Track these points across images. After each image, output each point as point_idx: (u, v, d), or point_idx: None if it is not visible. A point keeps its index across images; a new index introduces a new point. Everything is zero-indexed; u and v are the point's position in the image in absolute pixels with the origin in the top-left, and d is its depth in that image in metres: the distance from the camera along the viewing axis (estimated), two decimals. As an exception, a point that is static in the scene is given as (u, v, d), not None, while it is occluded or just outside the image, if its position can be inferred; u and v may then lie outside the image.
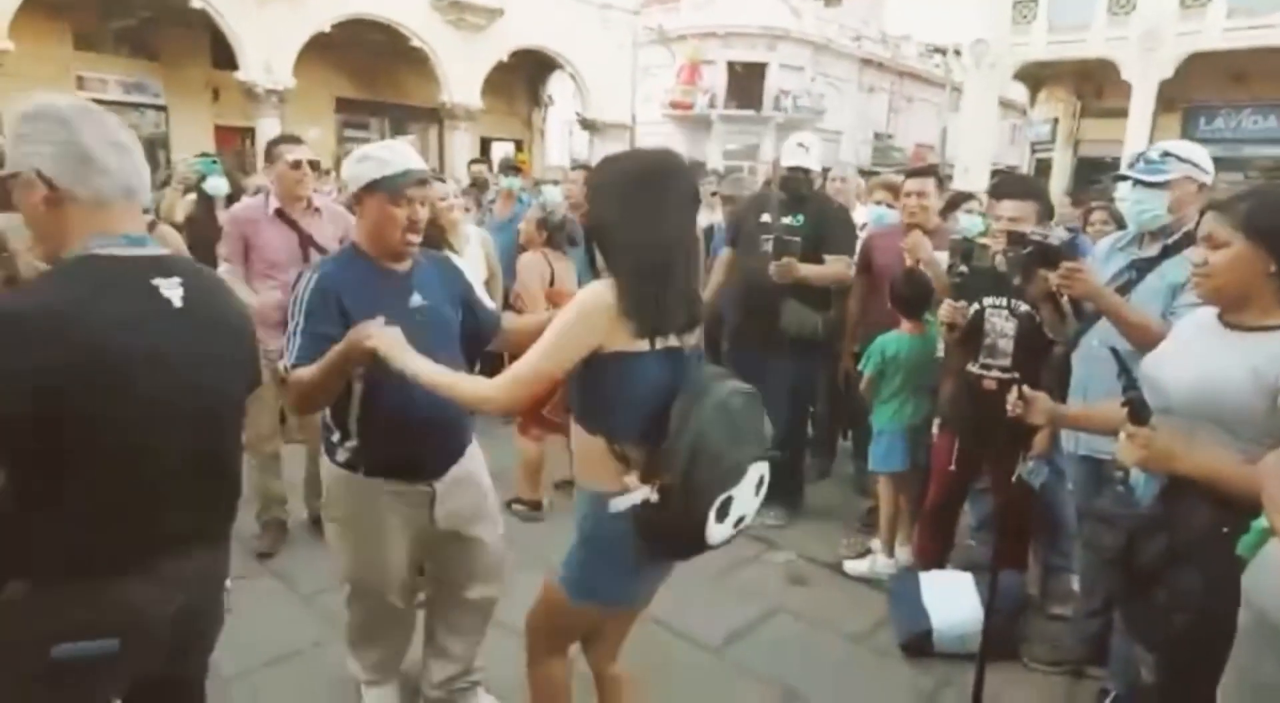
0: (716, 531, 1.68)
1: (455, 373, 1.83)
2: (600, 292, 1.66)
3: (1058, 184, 19.27)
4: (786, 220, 3.91)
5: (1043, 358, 2.91)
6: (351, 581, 2.36)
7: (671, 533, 1.69)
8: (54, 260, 1.38)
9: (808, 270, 3.76)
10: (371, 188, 2.04)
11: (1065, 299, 2.66)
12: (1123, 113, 18.00)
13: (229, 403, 1.56)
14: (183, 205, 5.22)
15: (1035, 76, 21.31)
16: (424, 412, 2.01)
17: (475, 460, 2.34)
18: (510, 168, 6.94)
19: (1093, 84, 20.41)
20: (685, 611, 3.02)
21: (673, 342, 1.74)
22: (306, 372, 1.94)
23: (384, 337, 1.82)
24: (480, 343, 2.36)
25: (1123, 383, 1.74)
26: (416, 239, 2.10)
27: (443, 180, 4.42)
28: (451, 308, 2.21)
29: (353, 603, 2.41)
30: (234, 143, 15.17)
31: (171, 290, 1.38)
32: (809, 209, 3.94)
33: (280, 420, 3.71)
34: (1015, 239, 2.68)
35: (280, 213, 3.46)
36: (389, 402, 2.02)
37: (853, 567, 3.62)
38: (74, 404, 1.24)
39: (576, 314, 1.67)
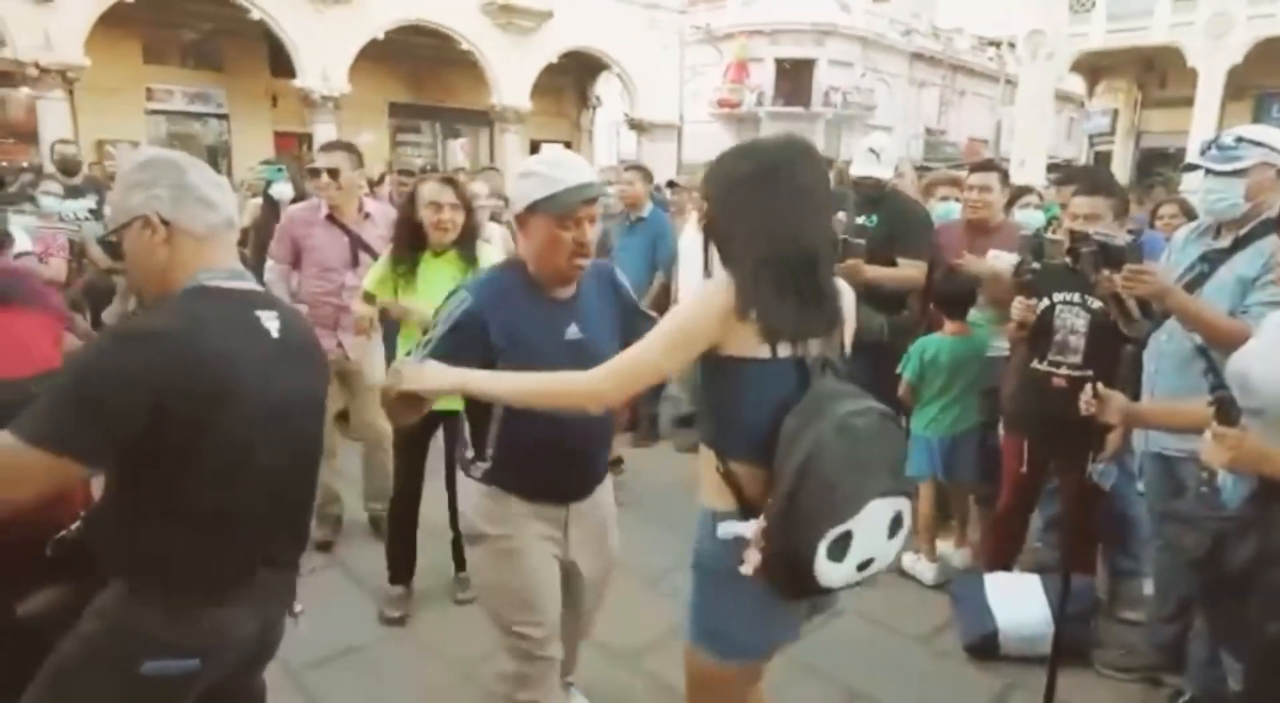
0: (832, 571, 1.46)
1: (543, 375, 1.63)
2: (721, 288, 1.53)
3: (1119, 178, 18.66)
4: (860, 221, 3.80)
5: (1117, 354, 2.83)
6: (504, 618, 2.05)
7: (779, 568, 1.48)
8: (162, 298, 1.45)
9: (875, 273, 3.60)
10: (536, 208, 1.85)
11: (1132, 301, 2.58)
12: (1188, 102, 17.39)
13: (314, 428, 1.63)
14: (249, 209, 5.38)
15: (1094, 67, 20.71)
16: (568, 441, 1.90)
17: (605, 487, 2.21)
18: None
19: (1155, 73, 19.76)
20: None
21: (802, 350, 1.55)
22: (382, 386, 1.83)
23: (422, 374, 1.69)
24: None
25: (1210, 382, 1.69)
26: (585, 263, 1.92)
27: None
28: (612, 336, 1.99)
29: (509, 649, 2.08)
30: (292, 148, 15.57)
31: (270, 322, 1.48)
32: (884, 209, 3.80)
33: (339, 418, 3.81)
34: (1079, 239, 2.60)
35: (331, 217, 3.56)
36: (530, 428, 1.86)
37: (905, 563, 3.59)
38: (188, 420, 1.31)
39: (693, 309, 1.56)
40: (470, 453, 2.03)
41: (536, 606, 2.02)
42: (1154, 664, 2.79)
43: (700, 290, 1.59)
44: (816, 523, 1.42)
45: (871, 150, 3.78)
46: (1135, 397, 2.54)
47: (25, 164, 9.63)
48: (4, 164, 6.49)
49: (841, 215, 3.84)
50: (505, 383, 1.67)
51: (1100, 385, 2.15)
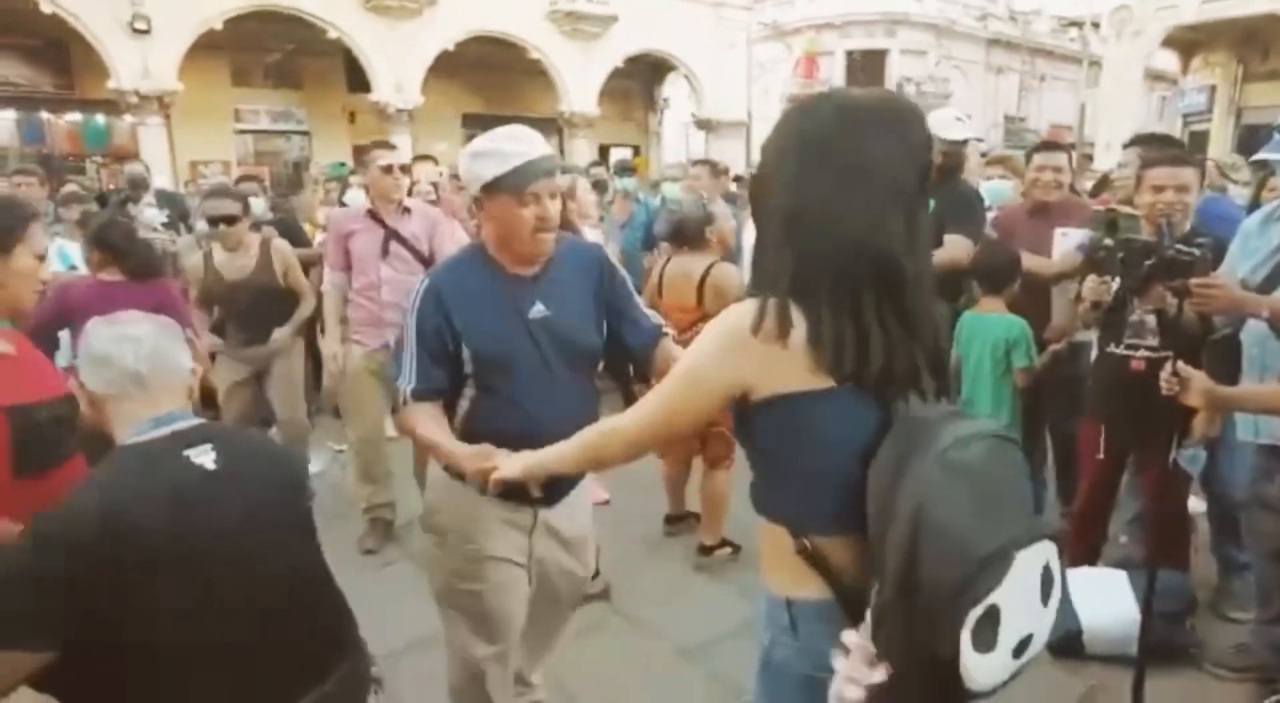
0: (982, 665, 1.00)
1: (580, 434, 1.45)
2: (741, 313, 1.15)
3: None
4: None
5: (1200, 335, 2.66)
6: (446, 603, 2.07)
7: (909, 685, 1.03)
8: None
9: None
10: (492, 188, 1.76)
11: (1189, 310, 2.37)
12: (1295, 74, 16.28)
13: (288, 545, 1.53)
14: (324, 214, 5.63)
15: (1187, 42, 19.59)
16: (536, 435, 1.66)
17: (582, 504, 2.13)
18: (624, 170, 7.06)
19: (1258, 44, 18.54)
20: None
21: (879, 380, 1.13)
22: (420, 426, 1.80)
23: (510, 465, 1.57)
24: (627, 359, 2.09)
25: None
26: (549, 238, 1.83)
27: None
28: (585, 318, 1.91)
29: (450, 647, 2.09)
30: (370, 161, 16.11)
31: (203, 457, 1.43)
32: (942, 193, 3.63)
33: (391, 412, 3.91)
34: (1139, 250, 2.41)
35: (371, 213, 3.66)
36: (495, 419, 1.83)
37: None
38: (119, 593, 1.26)
39: (701, 342, 1.21)
40: None
41: (494, 627, 1.98)
42: (1270, 664, 2.60)
43: (713, 325, 1.22)
44: (952, 602, 0.98)
45: (957, 117, 3.73)
46: (1231, 381, 2.38)
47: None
48: (110, 186, 6.97)
49: None
50: (554, 459, 1.51)
51: (1181, 364, 2.03)
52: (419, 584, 3.39)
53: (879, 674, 1.03)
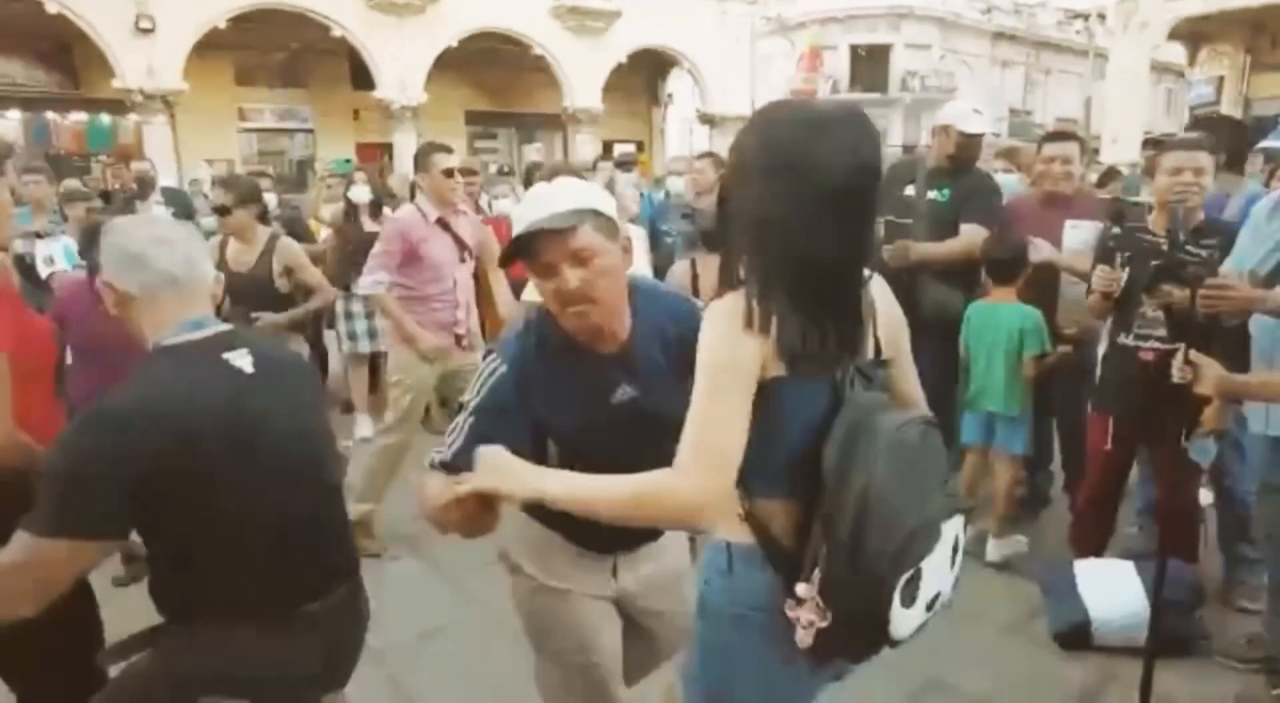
0: (904, 619, 1.20)
1: (626, 480, 1.22)
2: (733, 307, 1.22)
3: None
4: (931, 195, 3.67)
5: (1212, 324, 2.64)
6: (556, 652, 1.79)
7: (848, 634, 1.21)
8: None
9: (922, 251, 3.52)
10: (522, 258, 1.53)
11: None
12: (1302, 65, 16.16)
13: (313, 447, 1.62)
14: (329, 211, 5.61)
15: (1195, 33, 19.46)
16: None
17: (672, 547, 1.88)
18: (626, 164, 7.06)
19: (1266, 35, 18.44)
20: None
21: (827, 368, 1.26)
22: (434, 492, 1.42)
23: (498, 468, 1.31)
24: None
25: None
26: (584, 311, 1.49)
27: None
28: (678, 389, 1.34)
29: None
30: (374, 158, 16.16)
31: (241, 360, 1.48)
32: (959, 183, 3.66)
33: (426, 412, 3.89)
34: (1146, 252, 2.39)
35: (440, 221, 3.63)
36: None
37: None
38: (176, 479, 1.34)
39: (720, 331, 1.22)
40: None
41: (593, 645, 1.76)
42: (1276, 654, 2.59)
43: (714, 318, 1.24)
44: (888, 569, 1.16)
45: (976, 110, 3.72)
46: (1241, 370, 2.36)
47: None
48: (116, 185, 7.02)
49: (910, 190, 3.72)
50: (588, 490, 1.26)
51: (1194, 352, 2.01)
52: (426, 580, 3.44)
53: (825, 622, 1.20)
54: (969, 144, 3.67)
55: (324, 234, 5.69)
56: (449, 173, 3.57)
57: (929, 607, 1.25)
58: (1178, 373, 2.01)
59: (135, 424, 1.32)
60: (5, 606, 1.31)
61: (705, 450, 1.17)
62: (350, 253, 4.82)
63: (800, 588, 1.21)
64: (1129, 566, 2.86)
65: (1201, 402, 2.30)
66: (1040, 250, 3.34)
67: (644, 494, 1.20)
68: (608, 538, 1.69)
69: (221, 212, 3.71)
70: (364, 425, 5.03)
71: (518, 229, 1.49)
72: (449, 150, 3.68)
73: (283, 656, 1.48)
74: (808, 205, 1.20)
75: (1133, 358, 2.79)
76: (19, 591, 1.30)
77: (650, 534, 1.77)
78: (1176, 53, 21.20)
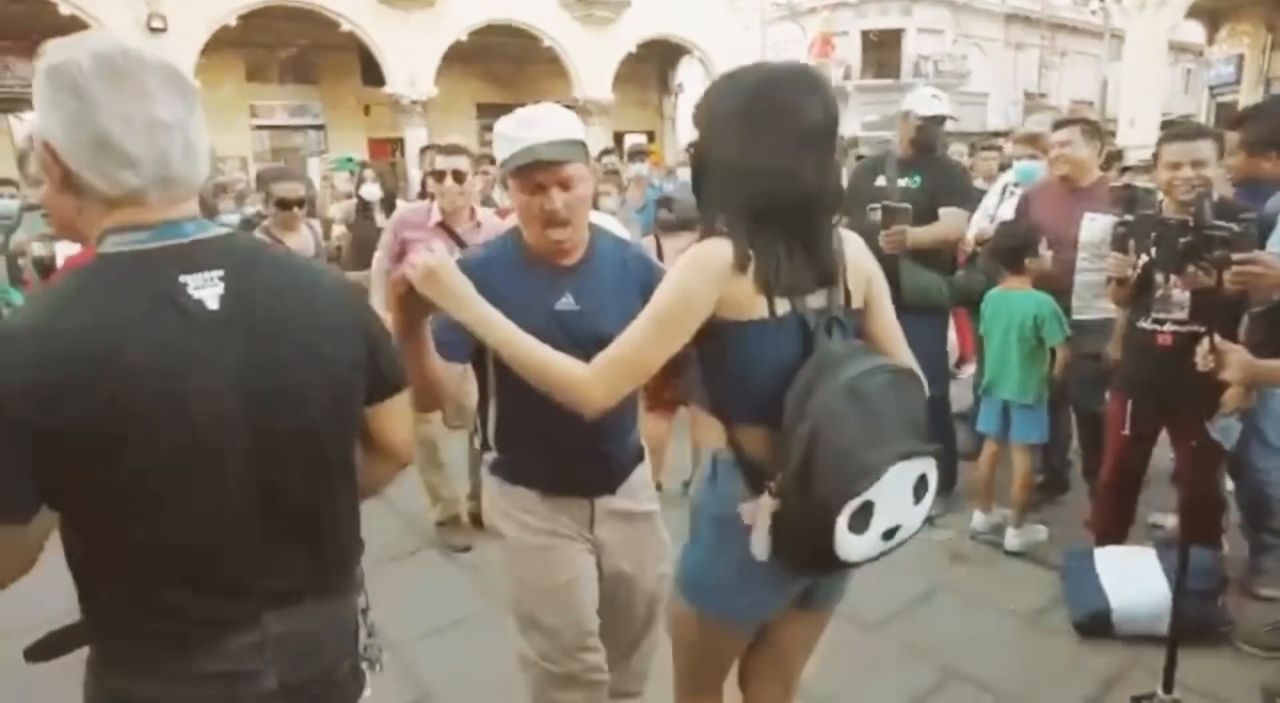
0: (854, 544, 1.32)
1: (545, 351, 1.41)
2: (715, 251, 1.36)
3: (1246, 129, 17.21)
4: (903, 183, 3.70)
5: (1235, 307, 2.60)
6: (521, 616, 1.89)
7: (795, 546, 1.36)
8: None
9: (916, 235, 3.52)
10: (506, 173, 1.69)
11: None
12: (1325, 42, 15.87)
13: (304, 417, 1.11)
14: (340, 209, 5.63)
15: (1214, 11, 19.19)
16: (570, 433, 1.56)
17: (643, 489, 1.95)
18: (637, 154, 7.02)
19: (1287, 12, 18.14)
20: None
21: (800, 306, 1.39)
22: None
23: (441, 280, 1.41)
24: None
25: None
26: (561, 233, 1.67)
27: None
28: (616, 320, 1.53)
29: (527, 657, 1.90)
30: (385, 154, 16.20)
31: (205, 290, 1.03)
32: (927, 168, 3.70)
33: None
34: (1174, 228, 2.34)
35: (442, 224, 3.38)
36: (526, 416, 1.69)
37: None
38: (74, 437, 0.95)
39: (681, 283, 1.36)
40: (478, 441, 1.88)
41: (569, 601, 1.81)
42: None
43: (692, 251, 1.38)
44: (832, 498, 1.28)
45: (934, 95, 3.79)
46: (1273, 354, 2.33)
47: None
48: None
49: (882, 180, 3.76)
50: (505, 333, 1.41)
51: (1218, 339, 1.98)
52: (446, 572, 3.46)
53: (765, 535, 1.37)
54: (927, 126, 3.71)
55: (336, 232, 5.71)
56: (438, 175, 3.34)
57: (886, 537, 1.36)
58: (1202, 361, 1.98)
59: (13, 354, 0.93)
60: None
61: (620, 364, 1.36)
62: (366, 250, 4.82)
63: (763, 501, 1.36)
64: (1150, 553, 2.83)
65: (1221, 384, 2.27)
66: (1044, 263, 3.33)
67: (554, 372, 1.39)
68: (577, 481, 1.81)
69: (300, 204, 3.74)
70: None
71: (513, 148, 1.63)
72: (448, 150, 3.42)
73: (213, 682, 1.09)
74: (782, 144, 1.35)
75: (1151, 341, 2.76)
76: None
77: (622, 466, 1.87)
78: (1195, 31, 20.88)
